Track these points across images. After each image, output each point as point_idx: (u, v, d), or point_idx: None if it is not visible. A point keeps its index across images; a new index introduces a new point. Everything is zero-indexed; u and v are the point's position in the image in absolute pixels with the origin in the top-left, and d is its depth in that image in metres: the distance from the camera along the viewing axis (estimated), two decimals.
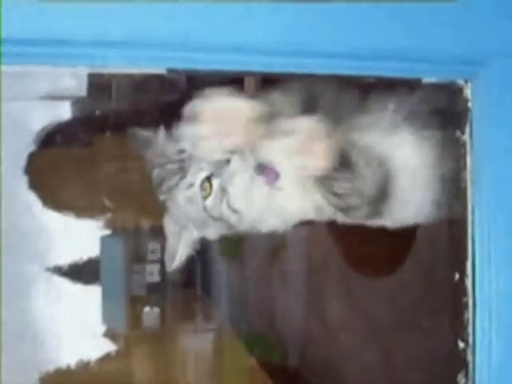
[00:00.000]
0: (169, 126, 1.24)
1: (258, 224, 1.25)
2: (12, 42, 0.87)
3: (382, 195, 1.23)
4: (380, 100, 1.25)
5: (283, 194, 1.22)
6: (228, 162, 1.17)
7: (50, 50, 0.89)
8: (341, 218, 1.27)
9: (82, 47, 0.89)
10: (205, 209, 1.20)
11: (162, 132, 1.25)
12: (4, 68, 0.90)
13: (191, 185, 1.19)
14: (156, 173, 1.23)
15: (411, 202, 1.27)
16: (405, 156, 1.24)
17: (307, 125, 1.15)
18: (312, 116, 1.17)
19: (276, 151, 1.18)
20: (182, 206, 1.22)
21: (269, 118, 1.16)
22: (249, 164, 1.18)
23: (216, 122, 1.13)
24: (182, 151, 1.20)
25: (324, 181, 1.19)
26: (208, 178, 1.19)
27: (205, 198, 1.19)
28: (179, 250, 1.27)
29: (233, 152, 1.17)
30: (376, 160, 1.21)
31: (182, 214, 1.24)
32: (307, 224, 1.34)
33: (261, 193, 1.21)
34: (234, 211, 1.20)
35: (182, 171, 1.19)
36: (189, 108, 1.12)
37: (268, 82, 1.27)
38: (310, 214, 1.27)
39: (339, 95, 1.24)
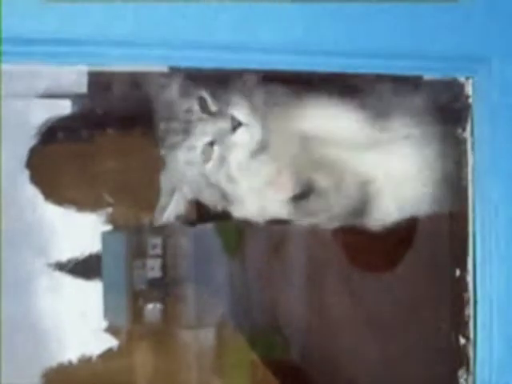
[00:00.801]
0: (183, 79, 1.22)
1: (245, 201, 1.26)
2: (11, 41, 0.87)
3: (358, 213, 1.26)
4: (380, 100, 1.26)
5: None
6: (234, 130, 1.17)
7: (50, 48, 0.88)
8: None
9: (82, 46, 0.89)
10: (203, 173, 1.21)
11: (176, 83, 1.23)
12: (4, 67, 0.90)
13: (193, 148, 1.20)
14: (161, 126, 1.23)
15: (397, 210, 1.28)
16: (395, 169, 1.25)
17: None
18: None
19: None
20: (180, 166, 1.22)
21: None
22: (253, 138, 1.19)
23: None
24: (189, 111, 1.19)
25: (291, 204, 1.23)
26: (211, 144, 1.19)
27: (205, 162, 1.20)
28: (170, 207, 1.27)
29: (240, 124, 1.17)
30: (355, 184, 1.24)
31: (178, 174, 1.24)
32: (285, 223, 1.36)
33: (258, 171, 1.22)
34: (232, 180, 1.21)
35: (186, 132, 1.19)
36: None
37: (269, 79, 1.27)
38: (284, 216, 1.28)
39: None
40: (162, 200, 1.28)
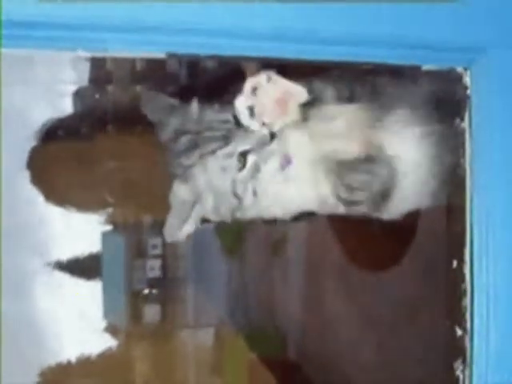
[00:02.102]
0: (205, 98, 1.24)
1: (261, 213, 1.26)
2: (11, 26, 0.87)
3: (384, 195, 1.25)
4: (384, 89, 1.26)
5: (292, 183, 1.24)
6: (272, 139, 1.18)
7: (49, 33, 0.89)
8: (341, 211, 1.29)
9: (81, 31, 0.89)
10: (234, 181, 1.20)
11: (195, 102, 1.23)
12: (3, 51, 0.90)
13: (230, 155, 1.19)
14: (187, 138, 1.22)
15: (410, 198, 1.28)
16: (409, 155, 1.25)
17: (350, 112, 1.19)
18: (356, 104, 1.21)
19: (298, 138, 1.21)
20: (212, 173, 1.21)
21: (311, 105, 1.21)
22: (281, 149, 1.20)
23: (273, 100, 1.17)
24: (227, 121, 1.20)
25: (343, 170, 1.22)
26: (244, 153, 1.19)
27: (239, 170, 1.19)
28: (188, 222, 1.23)
29: (275, 134, 1.18)
30: (387, 160, 1.23)
31: (205, 183, 1.22)
32: (307, 216, 1.36)
33: (276, 180, 1.22)
34: (255, 194, 1.21)
35: (225, 140, 1.19)
36: (251, 82, 1.16)
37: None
38: (312, 206, 1.28)
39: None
40: (179, 215, 1.23)
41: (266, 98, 1.17)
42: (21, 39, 0.89)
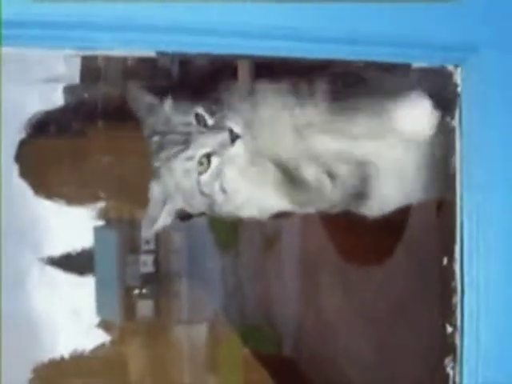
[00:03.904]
0: (176, 98, 1.27)
1: (238, 210, 1.30)
2: (1, 24, 0.87)
3: (359, 195, 1.26)
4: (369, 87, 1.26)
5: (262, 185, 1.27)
6: (233, 143, 1.21)
7: (39, 32, 0.89)
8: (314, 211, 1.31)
9: (71, 29, 0.89)
10: (198, 183, 1.24)
11: (168, 101, 1.27)
12: None
13: (191, 158, 1.23)
14: (156, 139, 1.26)
15: (395, 196, 1.29)
16: (390, 154, 1.25)
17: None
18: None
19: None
20: (176, 176, 1.25)
21: None
22: (248, 151, 1.22)
23: None
24: (189, 124, 1.23)
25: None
26: (208, 155, 1.22)
27: (200, 173, 1.23)
28: (160, 218, 1.30)
29: (237, 136, 1.21)
30: (353, 164, 1.25)
31: (173, 184, 1.27)
32: (285, 215, 1.38)
33: (250, 181, 1.25)
34: (224, 192, 1.25)
35: (186, 143, 1.22)
36: None
37: (261, 70, 1.28)
38: (286, 207, 1.31)
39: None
40: (153, 211, 1.30)
41: None
42: (9, 38, 0.89)
